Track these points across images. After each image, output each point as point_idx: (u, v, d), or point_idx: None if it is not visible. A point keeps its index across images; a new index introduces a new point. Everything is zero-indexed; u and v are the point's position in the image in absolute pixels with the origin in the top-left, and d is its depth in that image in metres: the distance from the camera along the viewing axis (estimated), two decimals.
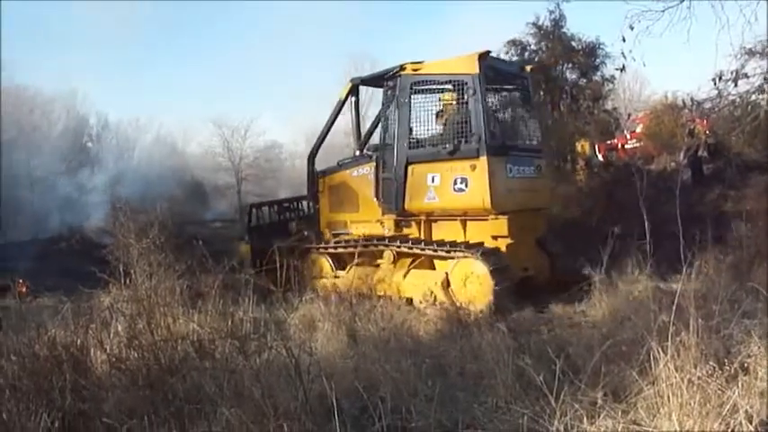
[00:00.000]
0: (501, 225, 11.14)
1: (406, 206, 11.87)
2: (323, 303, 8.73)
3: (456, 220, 11.60)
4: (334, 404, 4.77)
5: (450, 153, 11.29)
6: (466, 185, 11.16)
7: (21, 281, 14.21)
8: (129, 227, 9.30)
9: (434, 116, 11.90)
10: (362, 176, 12.66)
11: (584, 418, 4.85)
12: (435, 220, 11.87)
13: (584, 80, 18.36)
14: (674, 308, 5.36)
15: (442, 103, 11.98)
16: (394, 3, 65.56)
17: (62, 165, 27.62)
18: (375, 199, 12.36)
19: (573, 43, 18.20)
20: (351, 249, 12.04)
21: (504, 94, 12.33)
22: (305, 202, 14.80)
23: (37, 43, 50.83)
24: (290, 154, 43.69)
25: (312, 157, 13.62)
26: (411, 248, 11.57)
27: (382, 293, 10.75)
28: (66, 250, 15.87)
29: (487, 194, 10.95)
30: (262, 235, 13.42)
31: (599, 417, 4.90)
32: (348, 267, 12.22)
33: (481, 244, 11.18)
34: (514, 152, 11.75)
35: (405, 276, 11.58)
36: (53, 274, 13.78)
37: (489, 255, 10.88)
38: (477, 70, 11.17)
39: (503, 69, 12.47)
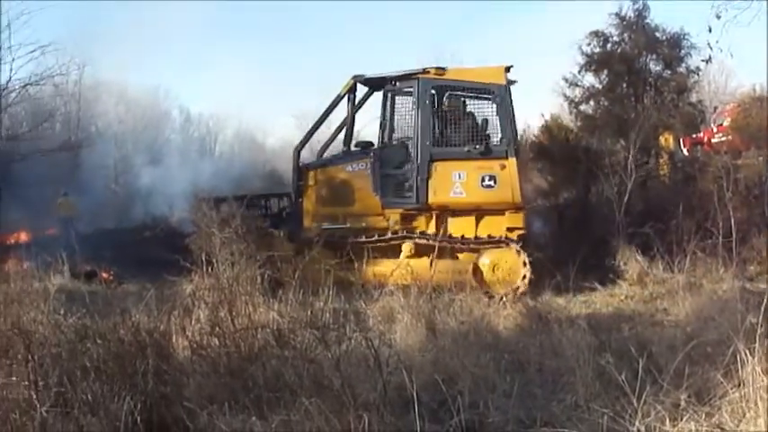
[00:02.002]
0: (518, 218, 12.45)
1: (429, 200, 12.54)
2: (402, 295, 8.73)
3: (471, 214, 12.56)
4: (414, 397, 4.76)
5: (482, 153, 12.31)
6: (495, 182, 12.26)
7: (106, 268, 14.67)
8: (211, 217, 9.49)
9: (458, 118, 12.76)
10: (359, 172, 13.06)
11: (667, 420, 4.73)
12: (451, 214, 12.66)
13: (669, 72, 17.91)
14: (762, 308, 5.19)
15: (464, 107, 12.95)
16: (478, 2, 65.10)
17: (146, 156, 28.29)
18: (375, 194, 12.82)
19: (657, 34, 17.73)
20: (396, 242, 12.51)
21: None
22: (273, 200, 14.92)
23: (120, 41, 52.07)
24: None
25: (298, 151, 13.75)
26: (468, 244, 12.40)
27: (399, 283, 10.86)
28: (151, 239, 16.19)
29: (517, 191, 12.25)
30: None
31: (682, 419, 4.75)
32: (363, 260, 12.22)
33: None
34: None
35: (430, 267, 11.82)
36: (138, 262, 14.12)
37: (523, 245, 12.14)
38: (505, 81, 12.44)
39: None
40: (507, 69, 12.59)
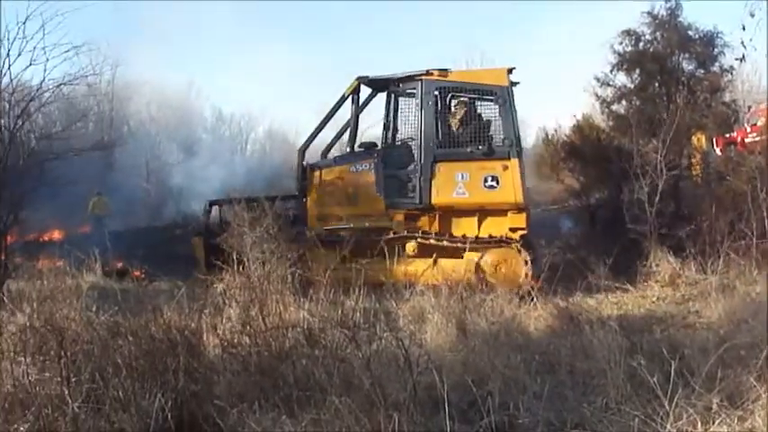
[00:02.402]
0: (521, 219, 12.56)
1: (432, 201, 12.70)
2: (433, 295, 8.73)
3: (474, 214, 12.69)
4: (445, 397, 4.76)
5: (485, 154, 12.47)
6: (497, 183, 12.39)
7: (138, 266, 14.80)
8: (243, 216, 9.55)
9: (461, 119, 13.01)
10: (363, 172, 13.23)
11: (699, 423, 4.69)
12: (454, 214, 12.83)
13: (702, 71, 17.71)
14: None
15: (467, 108, 13.10)
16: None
17: (177, 155, 28.53)
18: (378, 194, 13.00)
19: (689, 32, 17.55)
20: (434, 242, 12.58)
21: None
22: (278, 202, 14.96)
23: (152, 41, 52.49)
24: None
25: (303, 151, 13.94)
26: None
27: (402, 281, 11.07)
28: (182, 237, 16.33)
29: (520, 191, 12.35)
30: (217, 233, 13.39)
31: (714, 422, 4.73)
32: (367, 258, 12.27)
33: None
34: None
35: (434, 265, 12.29)
36: (169, 260, 14.25)
37: (524, 245, 12.33)
38: (507, 83, 12.57)
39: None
40: (510, 71, 12.78)
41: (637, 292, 11.72)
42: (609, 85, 17.73)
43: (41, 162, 14.18)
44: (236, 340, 6.28)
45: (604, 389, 5.76)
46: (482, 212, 12.66)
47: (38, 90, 13.98)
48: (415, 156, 12.83)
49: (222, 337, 6.36)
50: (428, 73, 12.92)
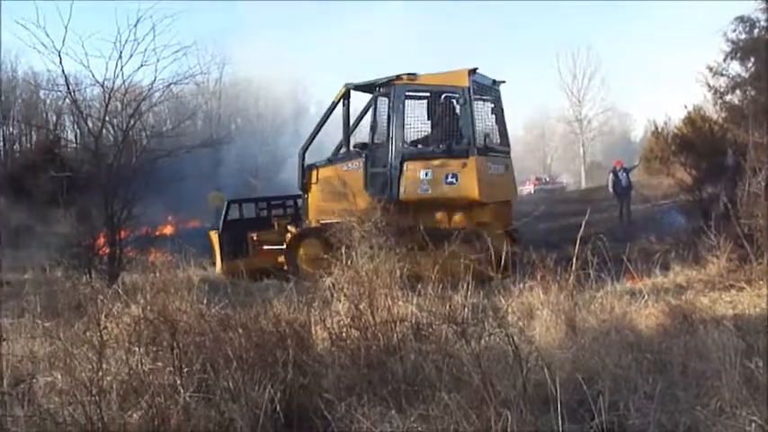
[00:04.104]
0: (486, 213, 13.67)
1: (401, 196, 13.79)
2: (542, 292, 8.62)
3: (443, 209, 13.80)
4: (558, 395, 4.70)
5: (444, 152, 13.66)
6: (456, 179, 13.47)
7: None
8: (350, 210, 9.67)
9: (426, 120, 14.17)
10: (353, 170, 14.46)
11: None
12: (426, 209, 13.79)
13: None
14: None
15: (433, 109, 14.13)
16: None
17: (284, 151, 29.05)
18: (365, 190, 14.20)
19: None
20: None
21: (481, 104, 14.36)
22: (291, 202, 16.70)
23: (259, 38, 53.71)
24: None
25: (303, 152, 15.09)
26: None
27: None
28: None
29: (476, 187, 13.37)
30: (237, 228, 15.69)
31: None
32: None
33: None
34: (491, 153, 14.19)
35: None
36: None
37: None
38: (467, 83, 13.56)
39: (481, 83, 14.33)
40: (471, 72, 13.71)
41: (753, 290, 11.30)
42: (722, 74, 17.23)
43: (153, 159, 14.77)
44: (344, 334, 6.36)
45: (719, 391, 5.54)
46: (451, 208, 13.77)
47: (149, 90, 14.60)
48: (389, 155, 13.78)
49: (331, 331, 6.45)
50: (398, 77, 13.93)
